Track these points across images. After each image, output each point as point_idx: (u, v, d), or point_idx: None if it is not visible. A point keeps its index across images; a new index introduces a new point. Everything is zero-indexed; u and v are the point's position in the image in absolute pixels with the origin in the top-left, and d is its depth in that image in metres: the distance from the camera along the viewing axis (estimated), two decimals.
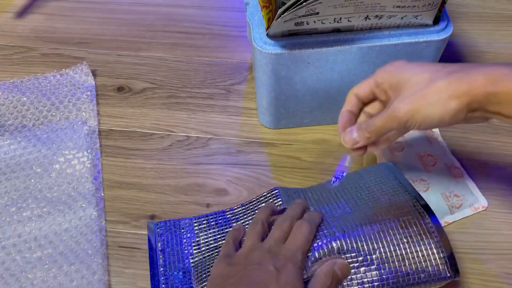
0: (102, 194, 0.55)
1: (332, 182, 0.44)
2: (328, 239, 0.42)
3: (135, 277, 0.49)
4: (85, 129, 0.60)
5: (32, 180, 0.55)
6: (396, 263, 0.41)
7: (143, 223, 0.53)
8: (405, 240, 0.42)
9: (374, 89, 0.41)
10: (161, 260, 0.48)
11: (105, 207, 0.54)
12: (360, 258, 0.41)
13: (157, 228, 0.51)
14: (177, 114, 0.63)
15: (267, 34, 0.50)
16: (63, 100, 0.63)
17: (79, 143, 0.58)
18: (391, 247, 0.41)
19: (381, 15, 0.48)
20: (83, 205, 0.53)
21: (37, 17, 0.76)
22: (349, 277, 0.41)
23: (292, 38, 0.49)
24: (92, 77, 0.66)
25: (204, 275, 0.44)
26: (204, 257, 0.47)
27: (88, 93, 0.64)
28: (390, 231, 0.42)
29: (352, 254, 0.41)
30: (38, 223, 0.52)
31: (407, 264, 0.41)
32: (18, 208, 0.53)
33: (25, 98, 0.63)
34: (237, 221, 0.50)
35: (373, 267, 0.41)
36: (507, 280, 0.48)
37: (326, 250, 0.41)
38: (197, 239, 0.49)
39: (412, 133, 0.58)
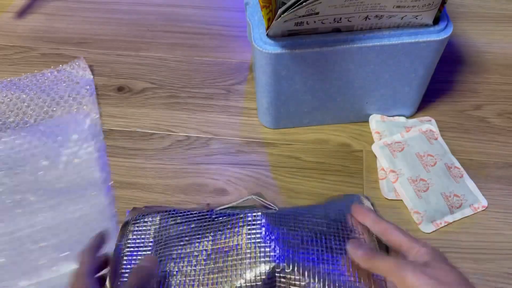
0: (111, 183, 0.55)
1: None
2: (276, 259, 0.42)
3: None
4: (88, 121, 0.60)
5: (40, 173, 0.56)
6: None
7: None
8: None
9: None
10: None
11: None
12: (303, 283, 0.41)
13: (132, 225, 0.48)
14: (177, 114, 0.63)
15: (267, 34, 0.50)
16: (63, 95, 0.64)
17: (83, 135, 0.59)
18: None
19: (381, 15, 0.48)
20: (94, 193, 0.54)
21: (37, 17, 0.77)
22: None
23: (292, 38, 0.49)
24: (90, 72, 0.66)
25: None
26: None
27: (88, 87, 0.65)
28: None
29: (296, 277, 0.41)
30: (50, 213, 0.52)
31: None
32: (29, 201, 0.53)
33: (24, 95, 0.64)
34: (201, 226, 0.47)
35: None
36: (507, 280, 0.48)
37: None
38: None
39: (412, 133, 0.58)
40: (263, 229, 0.44)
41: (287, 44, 0.49)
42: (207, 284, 0.42)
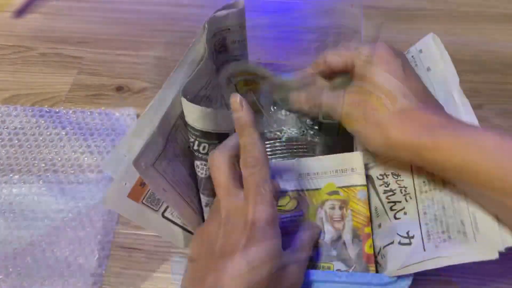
0: (103, 271, 0.50)
1: None
2: None
3: (135, 278, 0.49)
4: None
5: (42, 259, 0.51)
6: None
7: None
8: None
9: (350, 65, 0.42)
10: None
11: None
12: None
13: None
14: None
15: None
16: (99, 145, 0.59)
17: (98, 206, 0.53)
18: None
19: None
20: (79, 284, 0.49)
21: (36, 17, 0.76)
22: None
23: None
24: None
25: None
26: None
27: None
28: None
29: None
30: None
31: None
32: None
33: (63, 133, 0.60)
34: None
35: None
36: (508, 280, 0.48)
37: None
38: None
39: None
40: None
41: None
42: None
